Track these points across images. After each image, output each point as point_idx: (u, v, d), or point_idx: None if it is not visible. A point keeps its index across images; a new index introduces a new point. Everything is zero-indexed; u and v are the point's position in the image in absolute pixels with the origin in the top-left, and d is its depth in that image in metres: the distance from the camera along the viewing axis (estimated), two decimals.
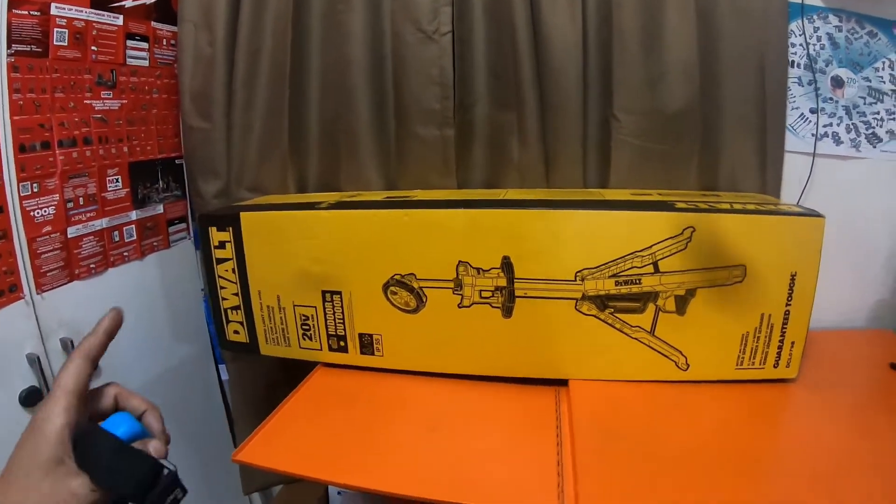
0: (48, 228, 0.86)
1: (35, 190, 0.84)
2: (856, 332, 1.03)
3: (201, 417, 1.17)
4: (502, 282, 0.77)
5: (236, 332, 0.91)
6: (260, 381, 1.06)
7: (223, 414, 1.21)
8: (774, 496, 0.59)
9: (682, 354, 0.79)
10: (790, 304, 0.77)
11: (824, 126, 0.98)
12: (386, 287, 0.81)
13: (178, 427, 1.08)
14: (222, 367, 1.16)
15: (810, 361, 0.86)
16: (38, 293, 0.85)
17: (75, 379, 0.40)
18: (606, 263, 0.75)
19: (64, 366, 0.41)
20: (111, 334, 0.45)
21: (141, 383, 1.01)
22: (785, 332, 0.78)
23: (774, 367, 0.80)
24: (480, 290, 0.78)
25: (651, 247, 0.74)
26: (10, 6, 0.78)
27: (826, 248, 0.94)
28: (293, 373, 0.90)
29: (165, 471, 0.40)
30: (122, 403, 0.45)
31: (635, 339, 0.78)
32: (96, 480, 0.37)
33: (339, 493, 1.03)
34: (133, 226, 1.01)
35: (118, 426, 0.42)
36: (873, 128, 0.99)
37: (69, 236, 0.90)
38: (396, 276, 0.80)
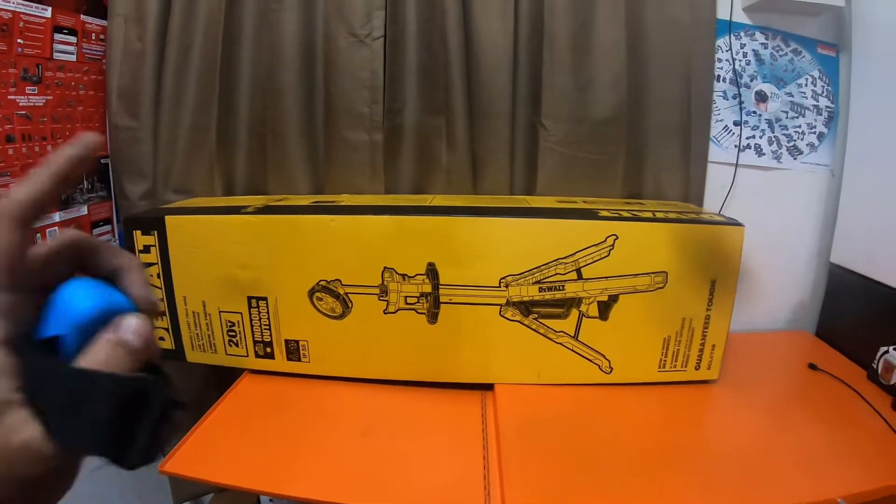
0: None
1: None
2: (777, 333, 1.08)
3: None
4: (427, 288, 0.77)
5: (161, 338, 0.88)
6: (188, 387, 1.03)
7: None
8: (699, 488, 0.62)
9: (606, 358, 0.80)
10: (710, 309, 0.80)
11: (747, 138, 1.02)
12: (311, 293, 0.80)
13: None
14: None
15: (732, 363, 0.89)
16: None
17: None
18: (530, 270, 0.76)
19: None
20: (60, 178, 0.24)
21: None
22: (706, 336, 0.81)
23: (696, 369, 0.83)
24: (406, 296, 0.77)
25: (574, 254, 0.76)
26: None
27: (748, 254, 0.99)
28: (223, 379, 0.88)
29: (147, 386, 0.23)
30: (86, 260, 0.26)
31: (559, 343, 0.79)
32: (52, 432, 0.21)
33: (270, 500, 1.01)
34: (56, 228, 0.97)
35: (73, 306, 0.24)
36: (794, 140, 1.04)
37: None
38: (322, 282, 0.79)
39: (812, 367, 0.90)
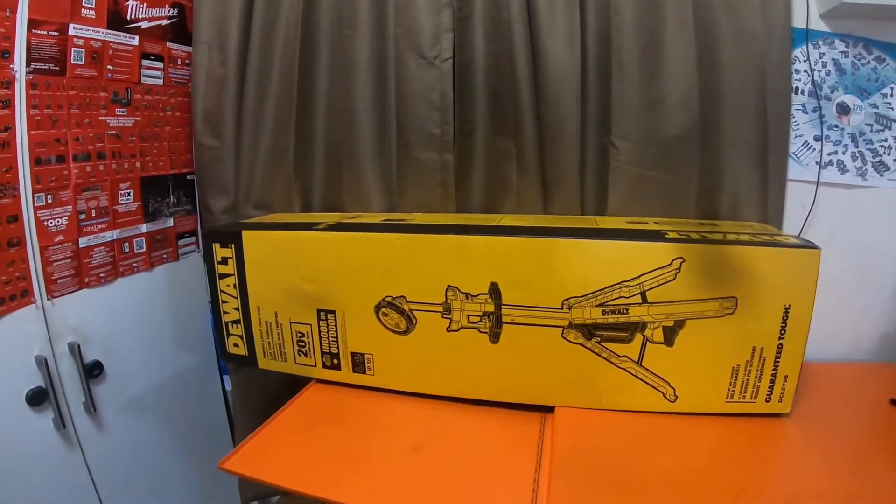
0: (60, 238, 0.90)
1: (49, 201, 0.89)
2: (859, 364, 1.00)
3: (204, 426, 1.20)
4: (490, 307, 0.78)
5: (236, 345, 0.94)
6: (262, 393, 1.09)
7: (226, 423, 1.24)
8: None
9: (671, 386, 0.78)
10: (783, 338, 0.76)
11: (829, 154, 0.96)
12: (377, 308, 0.83)
13: (181, 434, 1.13)
14: (226, 378, 1.19)
15: (807, 395, 0.84)
16: (48, 299, 0.89)
17: None
18: (594, 292, 0.75)
19: None
20: None
21: (145, 390, 1.05)
22: (777, 366, 0.77)
23: (766, 401, 0.79)
24: (468, 315, 0.79)
25: (639, 277, 0.74)
26: (30, 26, 0.83)
27: (830, 279, 0.92)
28: (296, 385, 0.92)
29: None
30: None
31: (622, 368, 0.78)
32: None
33: None
34: (143, 238, 1.05)
35: None
36: (881, 155, 0.97)
37: (80, 246, 0.94)
38: (388, 298, 0.82)
39: (894, 402, 0.84)
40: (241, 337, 0.93)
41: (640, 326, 0.76)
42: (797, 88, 0.96)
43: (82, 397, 0.91)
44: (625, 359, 0.77)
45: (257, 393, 1.09)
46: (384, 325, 0.83)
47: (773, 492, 0.67)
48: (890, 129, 0.97)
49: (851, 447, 0.75)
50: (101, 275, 0.98)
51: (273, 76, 1.02)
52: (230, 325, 0.93)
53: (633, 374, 0.78)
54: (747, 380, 0.77)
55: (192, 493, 1.16)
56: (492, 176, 1.00)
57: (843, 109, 0.97)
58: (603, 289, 0.75)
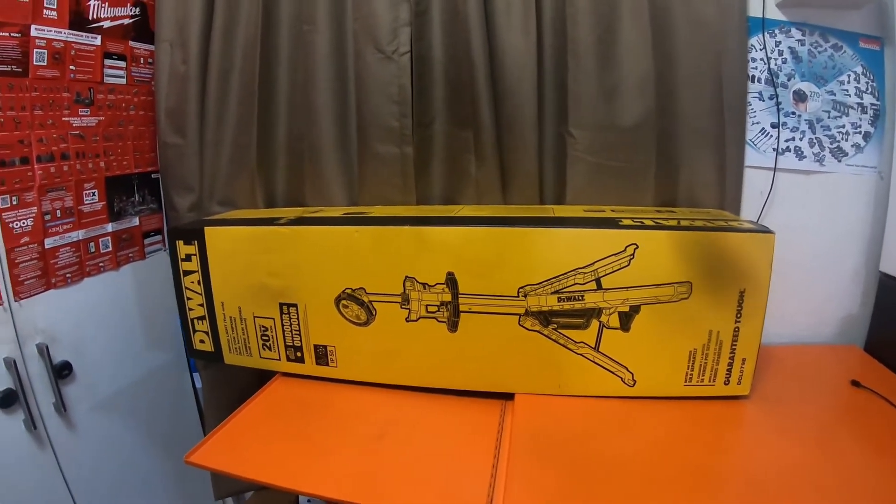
0: (26, 239, 0.90)
1: (14, 203, 0.88)
2: (821, 347, 1.02)
3: (176, 423, 1.20)
4: (447, 297, 0.78)
5: (202, 341, 0.95)
6: (232, 388, 1.09)
7: (197, 420, 1.24)
8: None
9: (628, 370, 0.79)
10: (740, 321, 0.77)
11: (786, 140, 0.98)
12: (338, 300, 0.83)
13: (153, 432, 1.13)
14: (196, 375, 1.19)
15: (768, 377, 0.85)
16: (15, 300, 0.88)
17: None
18: (549, 280, 0.76)
19: None
20: None
21: (115, 390, 1.04)
22: (735, 349, 0.78)
23: (725, 383, 0.80)
24: (426, 305, 0.79)
25: (593, 263, 0.75)
26: None
27: (789, 264, 0.94)
28: (264, 381, 0.92)
29: None
30: None
31: (580, 354, 0.79)
32: None
33: (308, 501, 1.05)
34: (109, 237, 1.05)
35: None
36: (838, 141, 0.98)
37: (46, 247, 0.94)
38: (348, 290, 0.82)
39: (855, 384, 0.85)
40: (206, 333, 0.93)
41: (595, 312, 0.77)
42: (754, 76, 0.97)
43: (52, 398, 0.90)
44: (582, 345, 0.78)
45: (227, 389, 1.09)
46: (345, 317, 0.83)
47: (731, 469, 0.69)
48: (847, 115, 0.98)
49: (811, 426, 0.77)
50: (68, 275, 0.98)
51: (234, 73, 1.02)
52: (195, 321, 0.94)
53: (590, 360, 0.79)
54: (705, 363, 0.78)
55: (165, 491, 1.16)
56: (451, 167, 1.00)
57: (800, 97, 0.98)
58: (558, 276, 0.76)
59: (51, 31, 0.92)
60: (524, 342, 0.78)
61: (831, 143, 0.98)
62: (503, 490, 0.63)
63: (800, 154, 0.98)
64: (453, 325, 0.79)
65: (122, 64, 1.06)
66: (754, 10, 0.95)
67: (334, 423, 0.79)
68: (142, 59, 1.10)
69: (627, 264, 0.75)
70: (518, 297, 0.77)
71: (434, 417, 0.79)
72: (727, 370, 0.79)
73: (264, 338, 0.89)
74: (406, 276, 0.79)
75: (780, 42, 0.97)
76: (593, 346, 0.78)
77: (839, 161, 0.99)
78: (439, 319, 0.80)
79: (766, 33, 0.96)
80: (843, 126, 0.98)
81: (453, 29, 0.94)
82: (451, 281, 0.78)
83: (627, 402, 0.80)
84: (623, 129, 0.93)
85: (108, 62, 1.03)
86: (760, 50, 0.96)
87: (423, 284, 0.79)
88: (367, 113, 0.98)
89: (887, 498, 0.61)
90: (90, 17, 0.98)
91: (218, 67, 1.02)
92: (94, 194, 1.02)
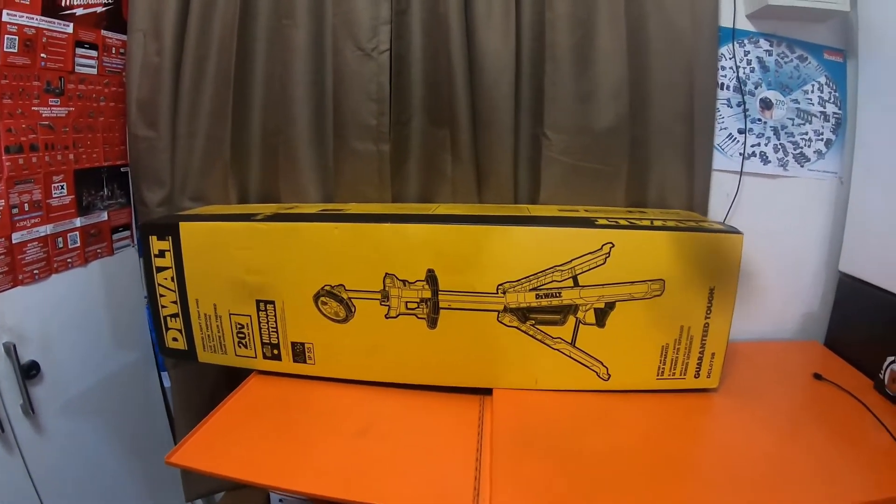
0: None
1: None
2: (784, 343, 1.06)
3: (144, 424, 1.17)
4: (427, 294, 0.79)
5: (175, 339, 0.92)
6: (202, 388, 1.07)
7: (166, 420, 1.21)
8: (691, 501, 0.62)
9: (604, 365, 0.81)
10: (709, 317, 0.80)
11: (752, 146, 1.02)
12: (317, 297, 0.82)
13: (122, 433, 1.09)
14: (165, 375, 1.16)
15: (735, 371, 0.89)
16: None
17: None
18: (527, 277, 0.77)
19: None
20: None
21: (82, 390, 1.01)
22: (705, 344, 0.81)
23: (696, 377, 0.83)
24: (406, 302, 0.80)
25: (571, 261, 0.77)
26: None
27: (754, 263, 0.98)
28: (234, 381, 0.91)
29: None
30: None
31: (557, 350, 0.80)
32: None
33: (280, 500, 1.04)
34: (77, 232, 1.01)
35: None
36: (801, 148, 1.03)
37: (13, 242, 0.90)
38: (327, 287, 0.82)
39: (817, 376, 0.89)
40: (179, 331, 0.91)
41: (572, 309, 0.79)
42: (723, 84, 1.01)
43: (20, 399, 0.87)
44: (559, 340, 0.80)
45: (196, 389, 1.07)
46: (323, 314, 0.83)
47: (708, 458, 0.72)
48: (810, 123, 1.03)
49: (779, 416, 0.81)
50: (36, 271, 0.94)
51: (210, 65, 1.00)
52: (168, 318, 0.91)
53: (567, 355, 0.80)
54: (676, 357, 0.81)
55: (135, 493, 1.12)
56: (427, 166, 1.01)
57: (766, 104, 1.02)
58: (536, 273, 0.77)
59: (23, 16, 0.88)
60: (503, 338, 0.79)
61: (795, 150, 1.03)
62: (489, 483, 0.64)
63: (765, 159, 1.03)
64: (433, 322, 0.80)
65: (94, 53, 1.03)
66: (725, 21, 0.99)
67: (315, 421, 0.78)
68: (114, 48, 1.06)
69: (603, 262, 0.77)
70: (497, 293, 0.78)
71: (414, 413, 0.79)
72: (697, 364, 0.82)
73: (240, 335, 0.88)
74: (386, 273, 0.79)
75: (748, 52, 1.01)
76: (570, 341, 0.80)
77: (802, 166, 1.03)
78: (419, 316, 0.80)
79: (735, 43, 1.00)
80: (807, 133, 1.03)
81: (433, 29, 0.94)
82: (431, 278, 0.78)
83: (602, 396, 0.82)
84: (597, 132, 0.95)
85: (79, 51, 1.00)
86: (730, 59, 1.00)
87: (404, 281, 0.79)
88: (344, 110, 0.97)
89: (852, 479, 0.65)
90: (63, 4, 0.95)
91: (193, 58, 1.00)
92: (62, 187, 0.99)
